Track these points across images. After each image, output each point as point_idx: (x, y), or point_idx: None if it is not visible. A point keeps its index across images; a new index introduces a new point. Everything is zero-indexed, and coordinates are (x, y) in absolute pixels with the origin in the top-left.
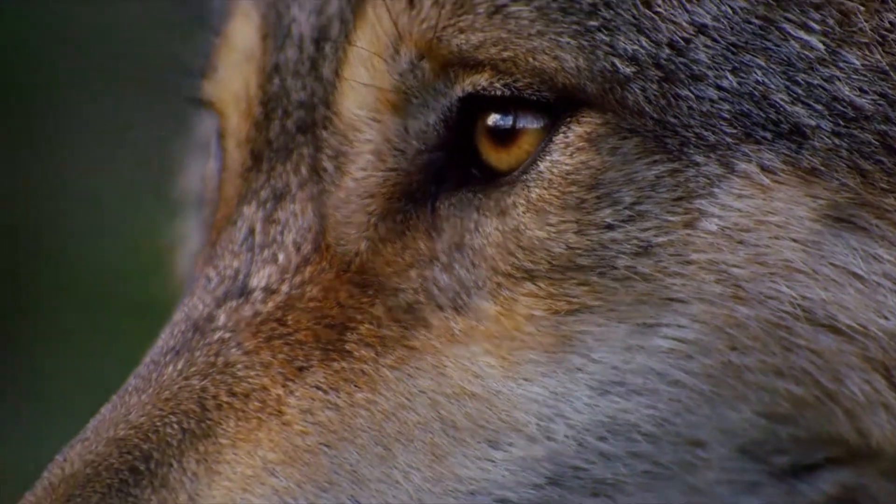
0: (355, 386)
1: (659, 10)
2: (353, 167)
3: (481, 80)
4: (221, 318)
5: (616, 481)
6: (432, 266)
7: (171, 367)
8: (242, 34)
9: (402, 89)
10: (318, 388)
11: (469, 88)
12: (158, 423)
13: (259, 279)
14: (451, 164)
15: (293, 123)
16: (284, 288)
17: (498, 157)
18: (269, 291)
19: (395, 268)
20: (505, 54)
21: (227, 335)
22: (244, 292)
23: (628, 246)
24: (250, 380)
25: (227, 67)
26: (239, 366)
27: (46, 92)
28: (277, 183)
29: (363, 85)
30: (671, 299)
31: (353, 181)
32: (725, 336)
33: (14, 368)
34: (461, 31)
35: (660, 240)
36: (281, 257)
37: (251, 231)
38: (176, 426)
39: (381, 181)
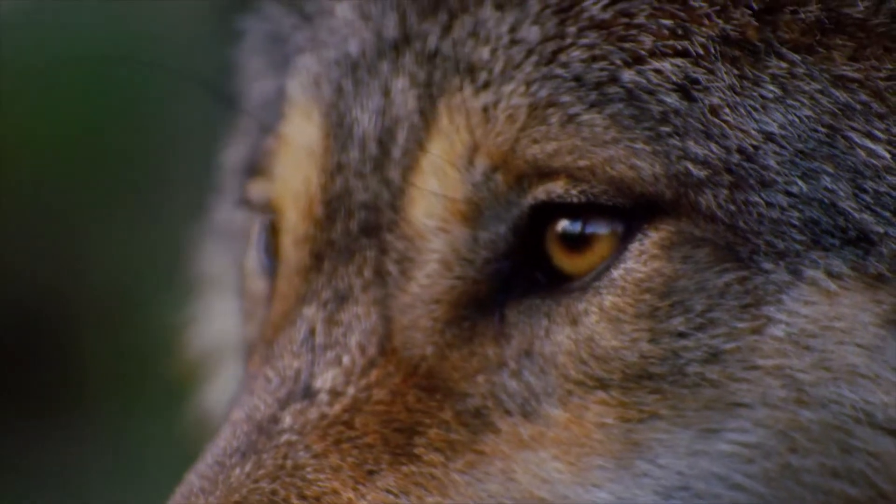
0: (425, 490)
1: (727, 118)
2: (419, 273)
3: (556, 187)
4: (287, 420)
5: None
6: (500, 372)
7: (238, 469)
8: (302, 132)
9: (475, 201)
10: (389, 491)
11: (542, 196)
12: None
13: (323, 381)
14: (519, 270)
15: (356, 225)
16: (350, 390)
17: (571, 263)
18: (334, 394)
19: (462, 373)
20: (581, 163)
21: (295, 437)
22: (308, 394)
23: (699, 353)
24: (320, 483)
25: (287, 165)
26: (308, 469)
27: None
28: (339, 284)
29: (434, 194)
30: (736, 404)
31: (419, 287)
32: (787, 439)
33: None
34: (535, 141)
35: (728, 346)
36: (345, 359)
37: (311, 332)
38: None
39: (447, 288)
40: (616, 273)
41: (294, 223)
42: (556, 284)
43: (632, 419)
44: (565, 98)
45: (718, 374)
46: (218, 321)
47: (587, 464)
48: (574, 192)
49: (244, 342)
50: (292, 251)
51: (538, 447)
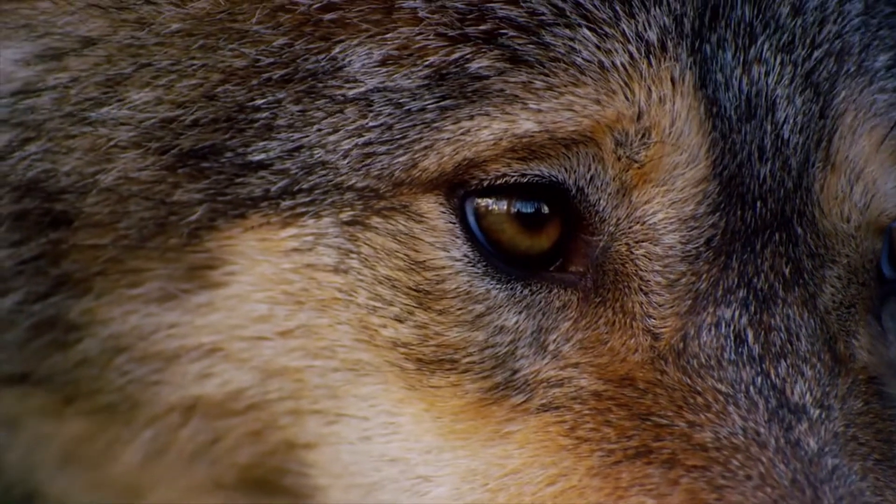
0: None
1: None
2: (830, 273)
3: None
4: (811, 443)
5: None
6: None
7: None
8: (669, 104)
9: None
10: None
11: None
12: None
13: (798, 395)
14: (881, 268)
15: (756, 213)
16: (834, 404)
17: None
18: (823, 407)
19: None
20: None
21: (836, 461)
22: (798, 410)
23: None
24: None
25: (660, 132)
26: (867, 492)
27: None
28: (757, 282)
29: (853, 202)
30: None
31: (832, 287)
32: None
33: None
34: None
35: None
36: (805, 369)
37: (739, 338)
38: None
39: (860, 293)
40: None
41: (676, 198)
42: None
43: None
44: None
45: None
46: None
47: None
48: None
49: (447, 347)
50: (670, 231)
51: None
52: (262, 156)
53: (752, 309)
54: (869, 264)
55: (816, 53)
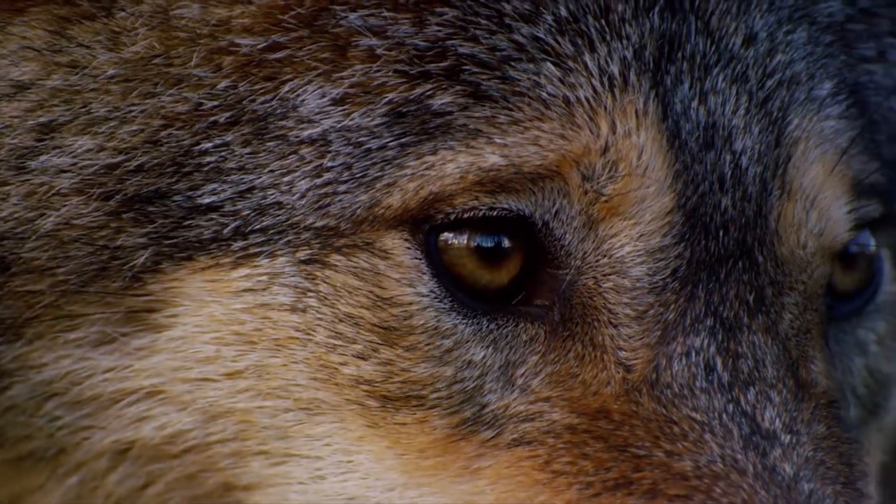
0: None
1: None
2: (788, 300)
3: (869, 210)
4: (787, 469)
5: None
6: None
7: None
8: (635, 137)
9: (845, 241)
10: None
11: (861, 219)
12: None
13: (769, 421)
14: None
15: (720, 243)
16: (802, 429)
17: (844, 281)
18: (793, 433)
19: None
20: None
21: (811, 485)
22: (768, 436)
23: None
24: None
25: (623, 165)
26: None
27: None
28: (722, 311)
29: (809, 229)
30: None
31: (790, 314)
32: None
33: None
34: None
35: None
36: (773, 395)
37: (709, 367)
38: None
39: (813, 319)
40: (880, 300)
41: (644, 231)
42: (834, 307)
43: None
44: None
45: None
46: None
47: None
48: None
49: (413, 384)
50: (638, 264)
51: None
52: (212, 198)
53: (720, 337)
54: (821, 290)
55: (769, 83)
